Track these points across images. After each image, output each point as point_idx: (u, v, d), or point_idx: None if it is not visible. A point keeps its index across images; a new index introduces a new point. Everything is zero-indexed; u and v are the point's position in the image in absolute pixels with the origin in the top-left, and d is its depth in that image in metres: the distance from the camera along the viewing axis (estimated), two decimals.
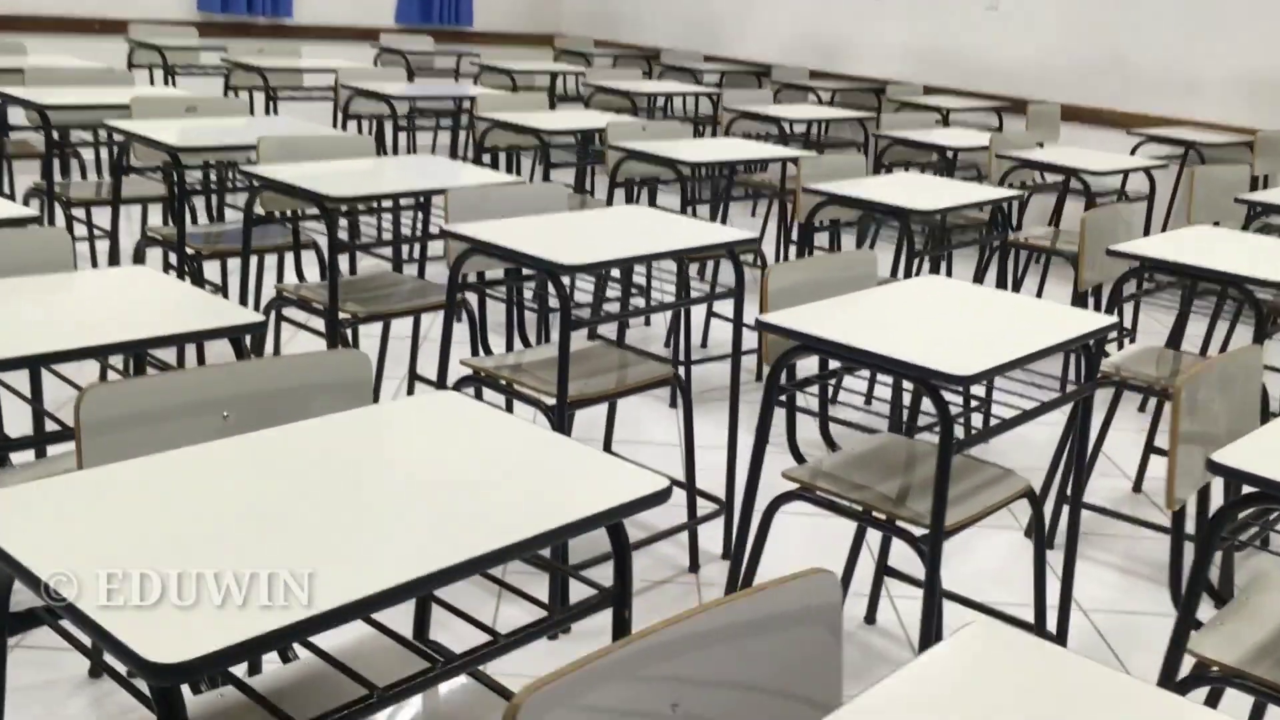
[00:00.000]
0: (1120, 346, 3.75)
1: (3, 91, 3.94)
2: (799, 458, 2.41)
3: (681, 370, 3.12)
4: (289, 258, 4.15)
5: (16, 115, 4.28)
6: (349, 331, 3.45)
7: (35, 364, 1.60)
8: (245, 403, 1.54)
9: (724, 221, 5.14)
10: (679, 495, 3.00)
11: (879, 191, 3.54)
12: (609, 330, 3.71)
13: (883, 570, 2.77)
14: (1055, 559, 3.13)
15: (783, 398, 2.35)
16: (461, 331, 3.59)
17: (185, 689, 1.06)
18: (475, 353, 3.49)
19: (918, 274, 3.78)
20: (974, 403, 3.75)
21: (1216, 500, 1.97)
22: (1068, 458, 3.27)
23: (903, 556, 2.88)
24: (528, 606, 2.62)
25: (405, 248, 3.92)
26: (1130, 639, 2.79)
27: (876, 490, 2.28)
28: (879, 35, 7.49)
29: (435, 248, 5.10)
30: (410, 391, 3.77)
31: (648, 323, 4.86)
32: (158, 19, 6.93)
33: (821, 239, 4.25)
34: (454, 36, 8.49)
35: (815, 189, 3.51)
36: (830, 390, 4.20)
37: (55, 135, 3.98)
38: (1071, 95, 6.53)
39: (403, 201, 3.67)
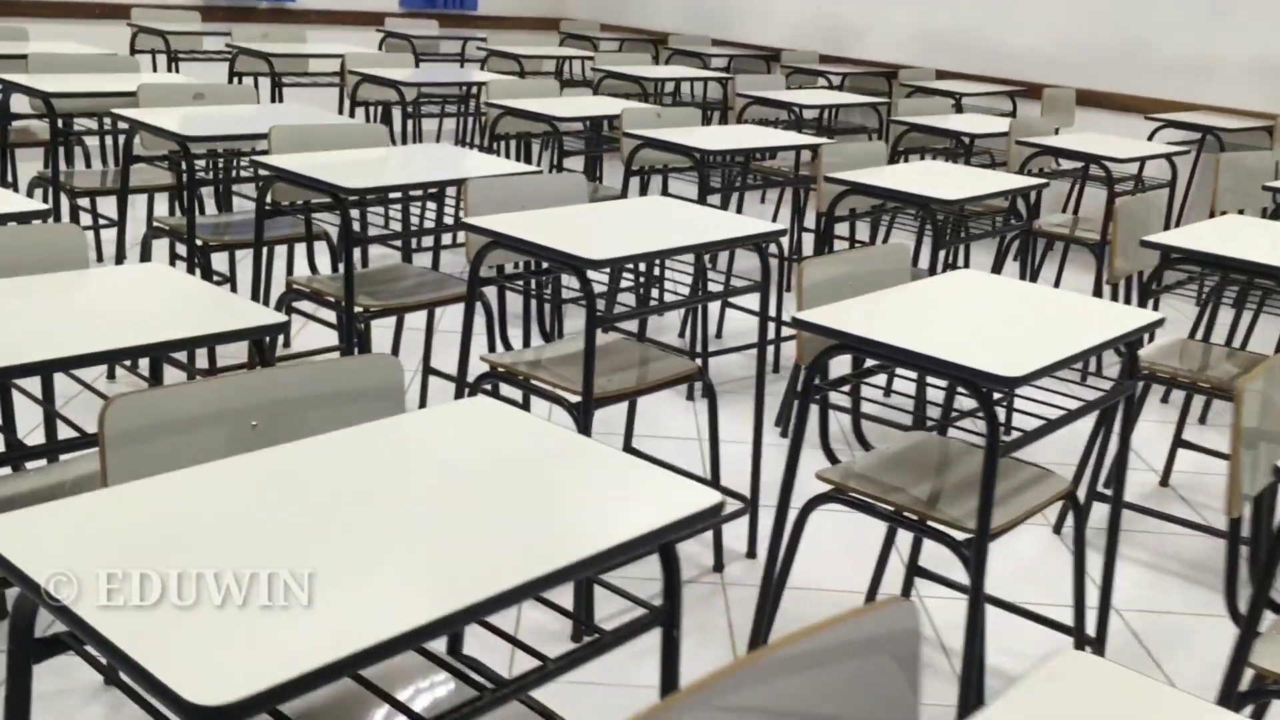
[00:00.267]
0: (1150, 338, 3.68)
1: (6, 78, 3.86)
2: (832, 458, 2.35)
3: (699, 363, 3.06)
4: (298, 248, 4.08)
5: (19, 103, 4.20)
6: (362, 325, 3.38)
7: (53, 369, 1.54)
8: (274, 410, 1.47)
9: (739, 210, 5.07)
10: None
11: (902, 180, 3.47)
12: (627, 323, 3.64)
13: (913, 571, 2.70)
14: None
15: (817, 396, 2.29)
16: (476, 324, 3.52)
17: None
18: (492, 347, 3.42)
19: (942, 265, 3.72)
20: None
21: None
22: (1098, 454, 3.21)
23: (933, 556, 2.82)
24: (551, 613, 2.57)
25: (416, 238, 3.86)
26: (1166, 641, 2.73)
27: (913, 492, 2.21)
28: (889, 19, 7.40)
29: (448, 237, 5.04)
30: (424, 386, 3.71)
31: (660, 313, 4.80)
32: (160, 4, 6.84)
33: (838, 228, 4.18)
34: (459, 21, 8.39)
35: (837, 178, 3.44)
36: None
37: (59, 123, 3.90)
38: (1085, 80, 6.44)
39: (415, 191, 3.60)
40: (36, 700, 2.17)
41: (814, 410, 2.30)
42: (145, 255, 3.78)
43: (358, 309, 2.98)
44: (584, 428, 2.46)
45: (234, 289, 4.14)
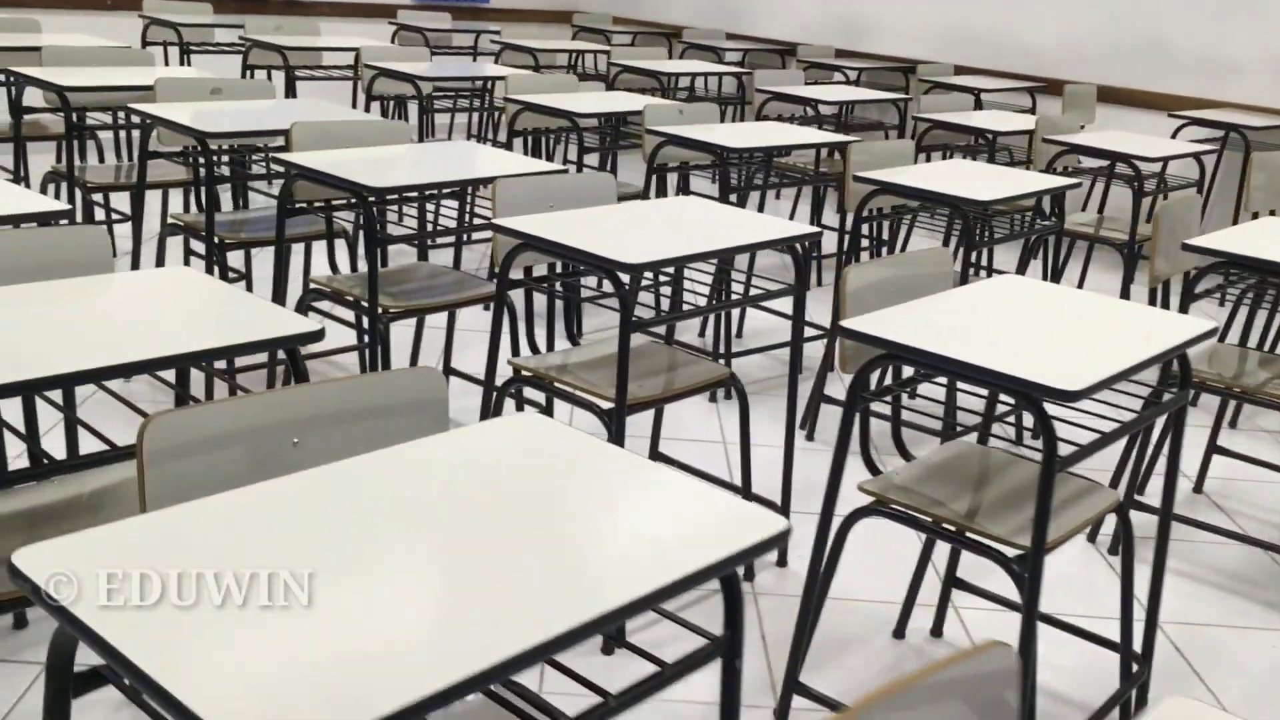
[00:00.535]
0: None
1: (21, 72, 3.80)
2: (873, 468, 2.28)
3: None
4: (315, 246, 4.02)
5: (32, 96, 4.13)
6: (383, 326, 3.32)
7: (83, 381, 1.48)
8: (315, 427, 1.41)
9: (760, 208, 5.00)
10: None
11: (933, 180, 3.40)
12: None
13: (951, 582, 2.64)
14: (1120, 565, 3.01)
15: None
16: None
17: None
18: (515, 350, 3.36)
19: (976, 268, 3.65)
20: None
21: None
22: (1135, 462, 3.15)
23: (971, 567, 2.76)
24: None
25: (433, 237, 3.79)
26: (1208, 654, 2.67)
27: (958, 506, 2.15)
28: (906, 14, 7.32)
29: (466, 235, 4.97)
30: None
31: (696, 317, 4.73)
32: None
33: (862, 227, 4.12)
34: (471, 13, 8.32)
35: (867, 177, 3.38)
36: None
37: (74, 118, 3.84)
38: (1105, 75, 6.36)
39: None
40: None
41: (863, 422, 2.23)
42: (161, 252, 3.72)
43: (379, 309, 2.92)
44: (617, 435, 2.40)
45: (249, 287, 4.07)
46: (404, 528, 1.19)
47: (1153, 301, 3.10)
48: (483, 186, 3.05)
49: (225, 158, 3.77)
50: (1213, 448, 3.50)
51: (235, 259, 4.11)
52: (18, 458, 2.56)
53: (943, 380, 3.49)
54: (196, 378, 3.24)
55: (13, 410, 2.39)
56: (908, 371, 2.29)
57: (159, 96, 3.56)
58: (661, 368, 2.78)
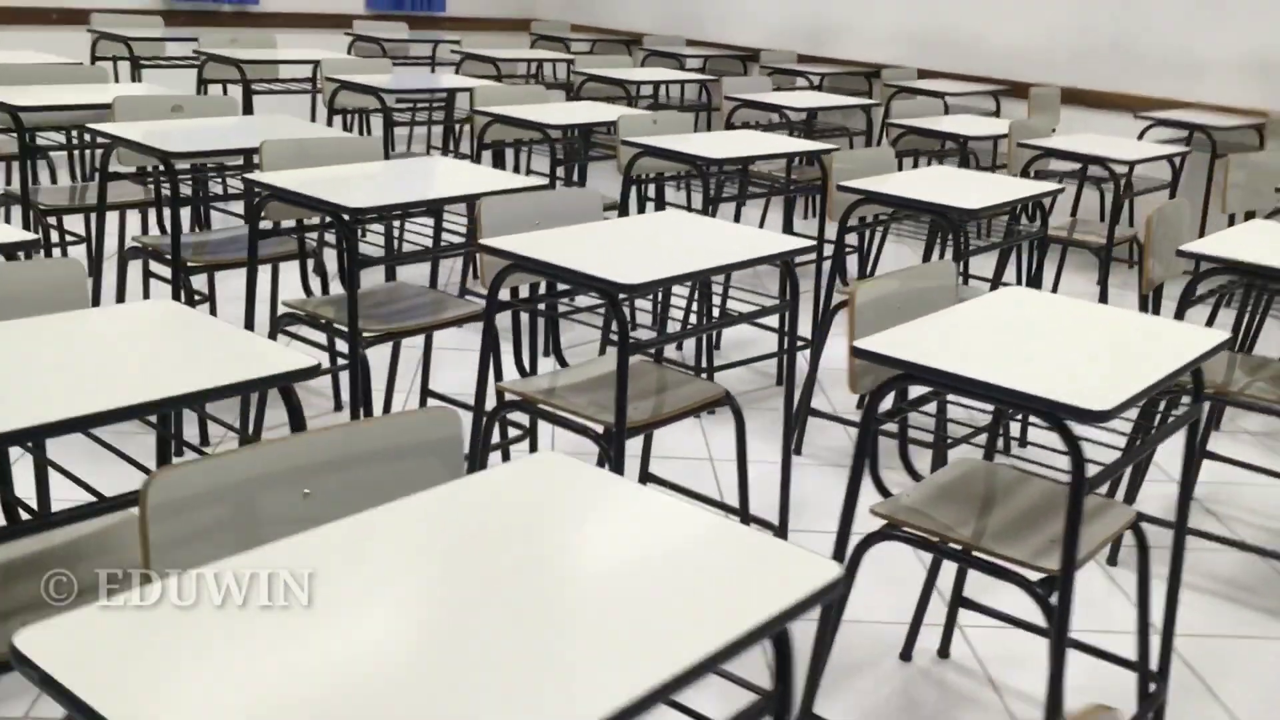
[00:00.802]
0: None
1: None
2: (884, 491, 2.21)
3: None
4: (281, 267, 3.90)
5: None
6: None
7: (68, 430, 1.37)
8: (326, 475, 1.32)
9: (736, 219, 4.94)
10: None
11: (918, 188, 3.35)
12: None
13: (958, 602, 2.58)
14: (1121, 577, 2.97)
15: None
16: (472, 341, 3.34)
17: None
18: (498, 372, 3.27)
19: (965, 277, 3.60)
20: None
21: None
22: (1134, 471, 3.11)
23: (979, 585, 2.71)
24: None
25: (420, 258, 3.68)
26: (1217, 666, 2.62)
27: (974, 528, 2.09)
28: (869, 17, 7.30)
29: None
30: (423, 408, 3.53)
31: (694, 336, 4.64)
32: (120, 9, 6.60)
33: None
34: (427, 22, 8.20)
35: (852, 187, 3.32)
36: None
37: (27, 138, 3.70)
38: (1068, 77, 6.37)
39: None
40: None
41: (873, 444, 2.16)
42: (122, 275, 3.59)
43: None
44: (616, 461, 2.31)
45: (213, 310, 3.95)
46: (437, 589, 1.10)
47: (1144, 307, 3.06)
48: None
49: (186, 177, 3.65)
50: (1202, 452, 3.47)
51: (198, 281, 3.98)
52: None
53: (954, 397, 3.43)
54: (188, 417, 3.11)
55: None
56: (913, 386, 2.23)
57: (118, 115, 3.43)
58: (654, 388, 2.70)
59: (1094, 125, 6.10)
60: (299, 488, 1.29)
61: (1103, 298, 4.41)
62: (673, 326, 4.26)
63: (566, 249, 2.40)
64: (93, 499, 1.82)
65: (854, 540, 2.08)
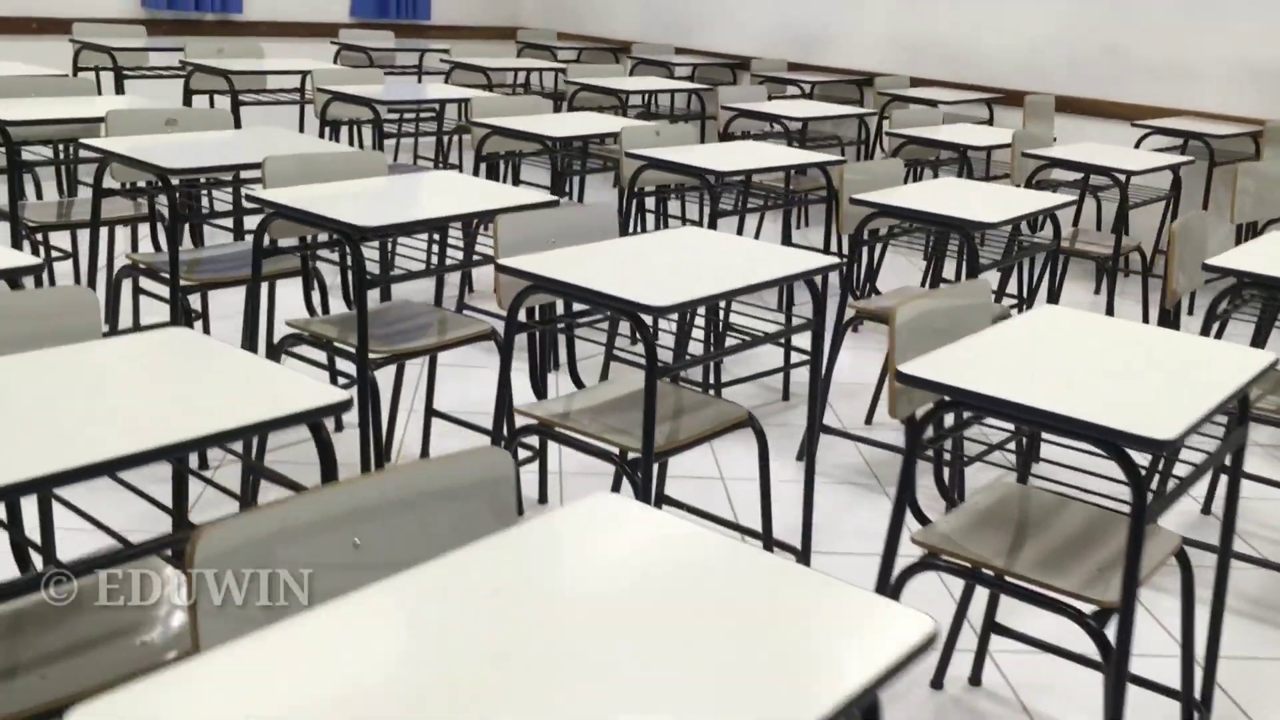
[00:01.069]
0: None
1: None
2: (922, 518, 2.15)
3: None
4: (279, 285, 3.81)
5: None
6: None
7: (97, 474, 1.29)
8: (376, 524, 1.24)
9: (739, 231, 4.87)
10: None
11: (930, 202, 3.29)
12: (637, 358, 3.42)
13: (990, 628, 2.52)
14: (1146, 598, 2.91)
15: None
16: (479, 361, 3.26)
17: None
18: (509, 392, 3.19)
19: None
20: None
21: None
22: (1156, 491, 3.05)
23: (1005, 609, 2.65)
24: None
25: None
26: (1253, 690, 2.56)
27: (1018, 557, 2.02)
28: (858, 26, 7.25)
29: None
30: (427, 431, 3.45)
31: (719, 358, 4.57)
32: (101, 18, 6.48)
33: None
34: (412, 31, 8.11)
35: (866, 200, 3.25)
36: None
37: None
38: (1062, 85, 6.34)
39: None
40: None
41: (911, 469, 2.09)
42: (116, 294, 3.48)
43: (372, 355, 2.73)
44: (645, 488, 2.24)
45: (206, 329, 3.85)
46: (506, 651, 1.02)
47: (1164, 321, 3.01)
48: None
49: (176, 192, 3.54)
50: (1220, 469, 3.42)
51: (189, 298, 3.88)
52: None
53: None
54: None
55: None
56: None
57: (110, 130, 3.33)
58: (674, 410, 2.62)
59: (1089, 134, 6.07)
60: (349, 537, 1.21)
61: (1109, 310, 4.37)
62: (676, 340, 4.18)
63: (588, 269, 2.32)
64: (101, 533, 1.74)
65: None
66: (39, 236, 3.93)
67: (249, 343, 3.16)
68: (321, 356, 3.46)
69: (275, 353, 2.93)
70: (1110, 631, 1.85)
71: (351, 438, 3.45)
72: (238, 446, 3.07)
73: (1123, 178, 4.18)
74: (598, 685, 0.99)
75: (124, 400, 1.51)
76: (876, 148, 6.40)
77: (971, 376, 1.84)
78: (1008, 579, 1.99)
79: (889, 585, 2.01)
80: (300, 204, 2.61)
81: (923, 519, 2.15)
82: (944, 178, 4.52)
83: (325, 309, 3.53)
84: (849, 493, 3.41)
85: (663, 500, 3.02)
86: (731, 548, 1.25)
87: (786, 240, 5.03)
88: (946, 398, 1.85)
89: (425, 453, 3.45)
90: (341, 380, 3.54)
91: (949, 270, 5.06)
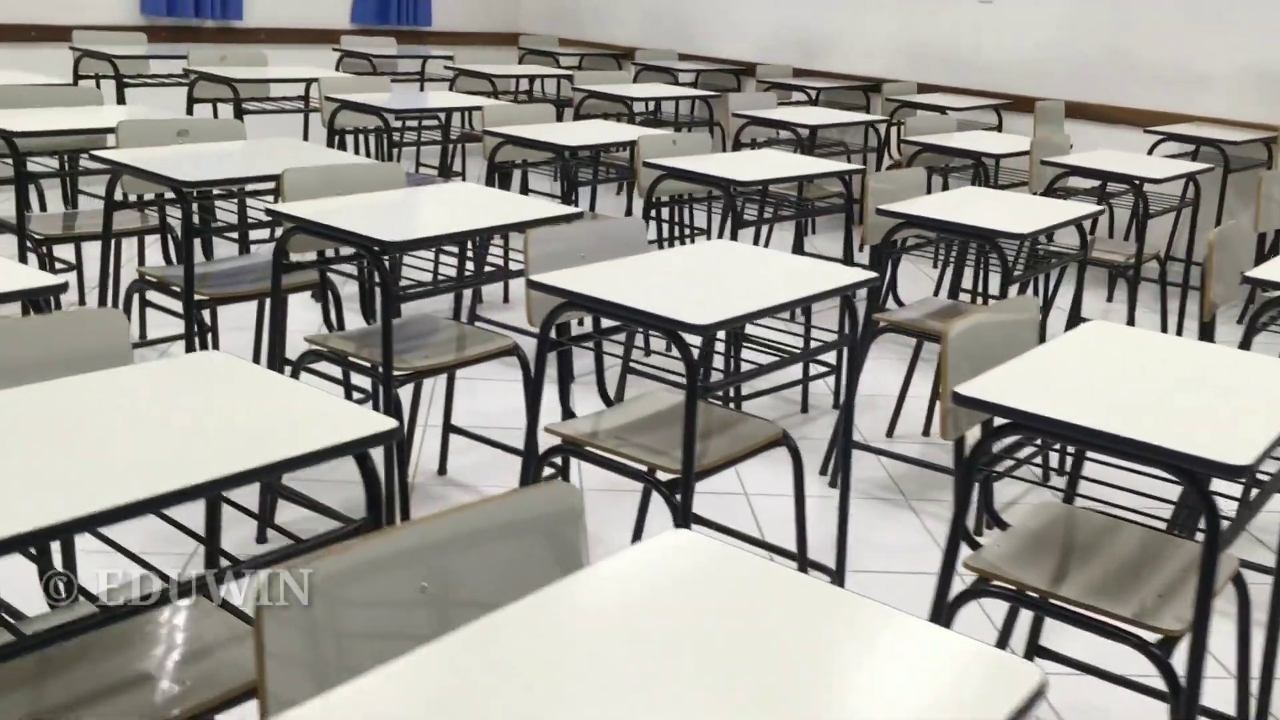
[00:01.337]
0: None
1: None
2: (973, 543, 2.08)
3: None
4: (292, 299, 3.73)
5: None
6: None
7: (139, 513, 1.22)
8: (441, 565, 1.17)
9: (755, 241, 4.81)
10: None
11: (956, 212, 3.23)
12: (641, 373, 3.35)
13: (1034, 650, 2.45)
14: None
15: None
16: (498, 374, 3.18)
17: None
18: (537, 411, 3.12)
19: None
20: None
21: None
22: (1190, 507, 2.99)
23: (1051, 631, 2.58)
24: None
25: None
26: None
27: (1073, 582, 1.96)
28: (865, 30, 7.20)
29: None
30: (444, 448, 3.38)
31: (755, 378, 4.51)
32: (100, 25, 6.40)
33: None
34: (413, 37, 8.04)
35: (893, 210, 3.20)
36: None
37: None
38: (1069, 90, 6.29)
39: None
40: None
41: (965, 492, 2.03)
42: (127, 308, 3.41)
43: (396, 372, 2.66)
44: (684, 512, 2.17)
45: (216, 344, 3.77)
46: (598, 701, 0.96)
47: (1204, 334, 2.95)
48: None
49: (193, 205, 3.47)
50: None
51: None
52: None
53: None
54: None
55: None
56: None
57: (121, 141, 3.26)
58: (706, 428, 2.56)
59: (1100, 140, 6.01)
60: (415, 582, 1.14)
61: (1130, 319, 4.31)
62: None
63: (623, 285, 2.26)
64: (135, 567, 1.67)
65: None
66: (44, 249, 3.86)
67: (271, 360, 3.09)
68: (334, 370, 3.39)
69: (295, 369, 2.86)
70: (1175, 660, 1.79)
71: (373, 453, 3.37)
72: None
73: (1142, 185, 4.13)
74: None
75: (164, 430, 1.44)
76: (885, 154, 6.34)
77: (1031, 398, 1.78)
78: (1063, 604, 1.93)
79: (943, 613, 1.95)
80: (323, 218, 2.54)
81: (973, 543, 2.09)
82: (963, 186, 4.46)
83: (341, 324, 3.46)
84: (874, 508, 3.35)
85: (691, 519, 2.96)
86: (826, 592, 1.19)
87: (798, 249, 4.98)
88: (1006, 420, 1.79)
89: (443, 469, 3.38)
90: (357, 395, 3.47)
91: (966, 279, 5.00)
